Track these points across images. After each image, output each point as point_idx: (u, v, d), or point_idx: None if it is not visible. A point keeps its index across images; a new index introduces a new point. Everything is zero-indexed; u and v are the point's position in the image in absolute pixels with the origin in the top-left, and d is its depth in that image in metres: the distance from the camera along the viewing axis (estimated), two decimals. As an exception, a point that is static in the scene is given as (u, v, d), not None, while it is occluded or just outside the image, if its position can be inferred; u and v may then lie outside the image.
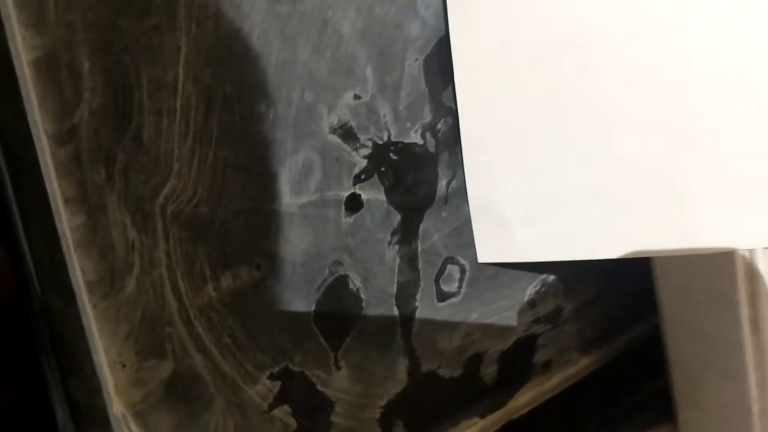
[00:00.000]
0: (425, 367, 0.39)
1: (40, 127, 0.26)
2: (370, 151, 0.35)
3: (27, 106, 0.26)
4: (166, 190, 0.30)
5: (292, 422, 0.35)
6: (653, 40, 0.34)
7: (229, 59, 0.30)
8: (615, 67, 0.35)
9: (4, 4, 0.26)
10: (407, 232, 0.37)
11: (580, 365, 0.46)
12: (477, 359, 0.41)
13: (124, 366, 0.30)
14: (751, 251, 0.37)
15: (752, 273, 0.37)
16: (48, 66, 0.26)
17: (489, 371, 0.42)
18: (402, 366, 0.38)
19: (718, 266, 0.38)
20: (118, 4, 0.28)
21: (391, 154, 0.35)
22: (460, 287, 0.39)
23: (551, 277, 0.42)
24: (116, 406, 0.30)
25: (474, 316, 0.40)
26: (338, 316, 0.35)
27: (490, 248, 0.38)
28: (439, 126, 0.36)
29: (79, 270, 0.28)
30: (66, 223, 0.27)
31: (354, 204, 0.35)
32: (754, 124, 0.34)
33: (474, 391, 0.41)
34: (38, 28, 0.26)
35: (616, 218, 0.36)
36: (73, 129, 0.27)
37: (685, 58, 0.34)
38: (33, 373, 0.29)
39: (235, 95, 0.31)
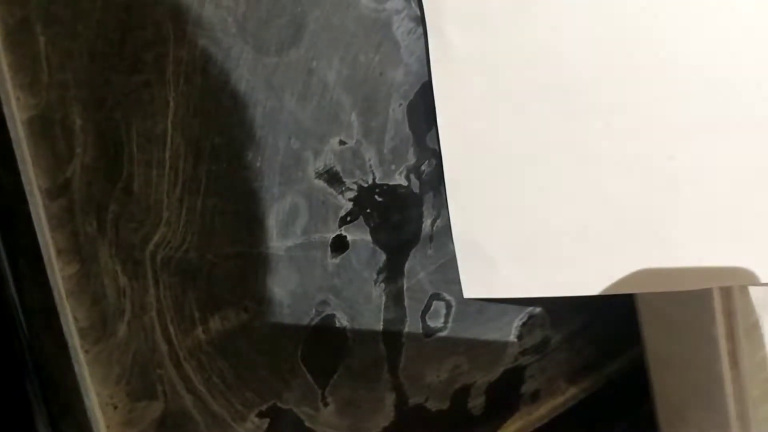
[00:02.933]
0: (413, 401, 0.40)
1: (33, 182, 0.28)
2: (356, 194, 0.36)
3: (21, 164, 0.28)
4: (156, 237, 0.31)
5: (280, 458, 0.36)
6: (632, 82, 0.35)
7: (217, 111, 0.31)
8: (596, 109, 0.36)
9: (-1, 66, 0.27)
10: (393, 271, 0.38)
11: (568, 394, 0.46)
12: (465, 391, 0.42)
13: (115, 407, 0.31)
14: (728, 288, 0.38)
15: (729, 309, 0.38)
16: (41, 124, 0.28)
17: (477, 403, 0.43)
18: (389, 400, 0.39)
19: (697, 302, 0.39)
20: (109, 61, 0.29)
21: (376, 196, 0.36)
22: (446, 322, 0.40)
23: (537, 310, 0.43)
24: (108, 447, 0.31)
25: (461, 350, 0.41)
26: (325, 354, 0.36)
27: (475, 284, 0.39)
28: (423, 167, 0.37)
29: (71, 317, 0.29)
30: (58, 273, 0.29)
31: (340, 245, 0.36)
32: (732, 164, 0.35)
33: (462, 422, 0.42)
34: (32, 88, 0.27)
35: (598, 256, 0.37)
36: (65, 183, 0.28)
37: (665, 100, 0.35)
38: (23, 418, 0.30)
39: (223, 145, 0.32)
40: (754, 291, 0.38)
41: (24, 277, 0.30)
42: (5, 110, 0.27)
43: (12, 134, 0.27)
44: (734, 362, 0.39)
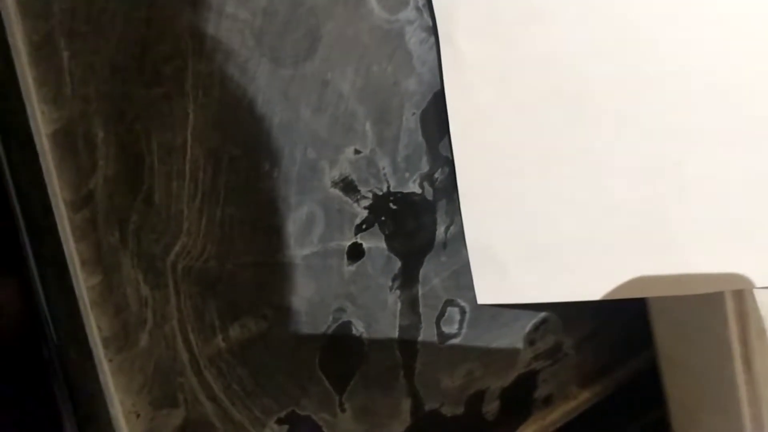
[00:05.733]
0: (428, 406, 0.40)
1: (58, 194, 0.28)
2: (371, 202, 0.36)
3: (46, 176, 0.28)
4: (177, 247, 0.31)
5: (299, 464, 0.36)
6: (641, 90, 0.35)
7: (235, 122, 0.32)
8: (605, 117, 0.36)
9: (24, 81, 0.28)
10: (408, 278, 0.38)
11: (580, 399, 0.47)
12: (479, 396, 0.42)
13: (138, 416, 0.31)
14: (741, 291, 0.38)
15: (741, 312, 0.38)
16: (65, 138, 0.28)
17: (491, 408, 0.43)
18: (405, 406, 0.39)
19: (709, 305, 0.39)
20: (130, 75, 0.29)
21: (391, 204, 0.37)
22: (460, 328, 0.40)
23: (550, 314, 0.44)
24: (131, 454, 0.31)
25: (475, 356, 0.41)
26: (342, 361, 0.37)
27: (488, 290, 0.40)
28: (436, 175, 0.38)
29: (95, 326, 0.30)
30: (83, 283, 0.29)
31: (356, 253, 0.36)
32: (740, 169, 0.35)
33: (476, 427, 0.43)
34: (56, 102, 0.28)
35: (609, 261, 0.38)
36: (88, 195, 0.29)
37: (673, 107, 0.35)
38: (52, 424, 0.30)
39: (241, 156, 0.32)
40: (765, 294, 0.39)
41: (51, 287, 0.31)
42: (31, 124, 0.28)
43: (38, 147, 0.28)
44: (747, 365, 0.39)
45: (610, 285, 0.38)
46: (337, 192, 0.35)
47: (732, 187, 0.35)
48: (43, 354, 0.31)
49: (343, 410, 0.37)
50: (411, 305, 0.38)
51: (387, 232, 0.37)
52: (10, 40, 0.27)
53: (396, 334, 0.38)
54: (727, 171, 0.35)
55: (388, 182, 0.36)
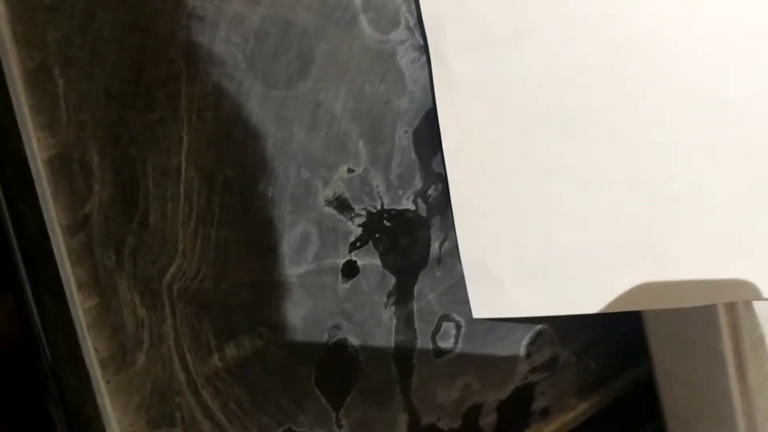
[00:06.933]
0: (425, 421, 0.41)
1: (54, 219, 0.29)
2: (365, 219, 0.37)
3: (42, 202, 0.29)
4: (173, 269, 0.32)
5: (296, 481, 0.37)
6: (632, 104, 0.36)
7: (229, 144, 0.32)
8: (595, 133, 0.36)
9: (20, 109, 0.28)
10: (403, 294, 0.38)
11: (578, 410, 0.47)
12: (476, 410, 0.42)
13: (136, 435, 0.32)
14: (733, 303, 0.38)
15: (735, 325, 0.38)
16: (61, 163, 0.29)
17: (488, 421, 0.43)
18: (402, 421, 0.40)
19: (703, 318, 0.39)
20: (125, 101, 0.30)
21: (385, 221, 0.37)
22: (456, 343, 0.41)
23: (546, 327, 0.44)
24: (129, 473, 0.32)
25: (472, 369, 0.42)
26: (338, 377, 0.37)
27: (484, 305, 0.40)
28: (430, 192, 0.38)
29: (92, 348, 0.30)
30: (79, 306, 0.30)
31: (350, 270, 0.37)
32: (731, 181, 0.35)
33: (474, 441, 0.43)
34: (52, 128, 0.28)
35: (602, 274, 0.38)
36: (84, 219, 0.29)
37: (665, 121, 0.35)
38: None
39: (235, 177, 0.33)
40: (758, 305, 0.39)
41: (47, 309, 0.31)
42: (27, 150, 0.28)
43: (33, 173, 0.28)
44: (741, 377, 0.39)
45: (605, 298, 0.38)
46: (331, 210, 0.36)
47: (724, 199, 0.35)
48: (38, 376, 0.31)
49: (339, 426, 0.37)
50: (406, 321, 0.39)
51: (381, 249, 0.37)
52: (5, 68, 0.28)
53: (392, 350, 0.39)
54: (718, 183, 0.35)
55: (381, 200, 0.37)
